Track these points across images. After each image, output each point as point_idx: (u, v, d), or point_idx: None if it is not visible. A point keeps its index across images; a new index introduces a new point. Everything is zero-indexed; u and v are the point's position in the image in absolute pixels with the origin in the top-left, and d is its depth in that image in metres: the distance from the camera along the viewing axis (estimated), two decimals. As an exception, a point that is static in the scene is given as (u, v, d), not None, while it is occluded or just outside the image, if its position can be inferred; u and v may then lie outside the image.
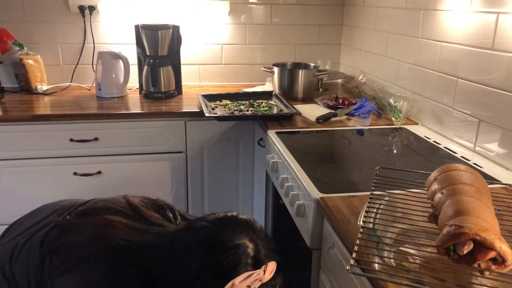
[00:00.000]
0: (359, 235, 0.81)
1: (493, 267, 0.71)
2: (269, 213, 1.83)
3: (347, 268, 0.71)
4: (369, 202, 0.96)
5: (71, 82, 2.36)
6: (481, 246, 0.70)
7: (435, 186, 0.88)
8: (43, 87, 2.24)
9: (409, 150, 1.59)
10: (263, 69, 2.31)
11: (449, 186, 0.84)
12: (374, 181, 1.07)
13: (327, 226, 1.12)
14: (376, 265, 0.79)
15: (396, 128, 1.79)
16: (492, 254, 0.70)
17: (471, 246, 0.70)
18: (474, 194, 0.80)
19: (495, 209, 0.90)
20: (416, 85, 1.85)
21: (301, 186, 1.25)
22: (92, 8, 2.29)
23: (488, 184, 0.93)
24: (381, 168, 1.14)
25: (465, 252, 0.70)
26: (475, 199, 0.78)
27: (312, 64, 2.34)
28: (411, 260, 0.80)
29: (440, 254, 0.74)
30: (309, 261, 1.24)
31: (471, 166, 1.39)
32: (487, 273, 0.72)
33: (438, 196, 0.85)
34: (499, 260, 0.70)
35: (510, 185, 1.15)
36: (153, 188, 2.03)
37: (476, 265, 0.72)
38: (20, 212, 1.96)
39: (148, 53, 2.16)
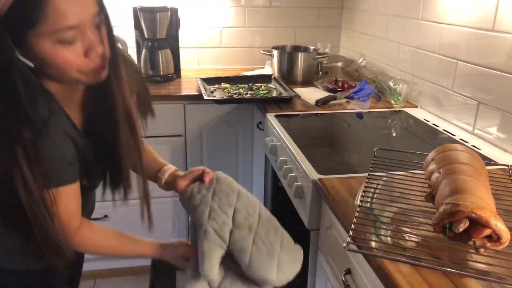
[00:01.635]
0: (356, 214, 0.82)
1: (488, 244, 0.72)
2: (268, 196, 1.84)
3: (344, 245, 0.71)
4: (366, 182, 0.96)
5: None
6: (477, 223, 0.70)
7: (432, 166, 0.89)
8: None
9: (408, 133, 1.59)
10: (262, 52, 2.30)
11: (446, 166, 0.84)
12: (372, 162, 1.07)
13: (325, 207, 1.12)
14: (372, 243, 0.79)
15: (395, 111, 1.78)
16: (487, 232, 0.70)
17: (467, 223, 0.71)
18: (471, 173, 0.80)
19: (492, 189, 0.91)
20: (416, 68, 1.84)
21: (300, 168, 1.26)
22: None
23: (486, 165, 0.94)
24: (379, 149, 1.14)
25: (461, 229, 0.71)
26: (472, 178, 0.78)
27: (312, 47, 2.32)
28: (408, 239, 0.80)
29: (436, 232, 0.74)
30: (307, 243, 1.25)
31: (470, 148, 1.39)
32: (482, 250, 0.72)
33: (435, 175, 0.85)
34: (494, 238, 0.71)
35: (508, 165, 1.15)
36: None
37: (471, 242, 0.73)
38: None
39: (146, 36, 2.14)
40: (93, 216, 2.07)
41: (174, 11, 2.17)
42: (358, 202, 0.88)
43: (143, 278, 2.14)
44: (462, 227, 0.71)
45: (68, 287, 1.14)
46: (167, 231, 2.15)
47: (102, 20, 0.81)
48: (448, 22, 1.61)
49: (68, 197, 0.87)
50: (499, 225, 0.69)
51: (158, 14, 2.08)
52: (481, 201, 0.72)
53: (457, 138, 1.48)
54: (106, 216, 2.04)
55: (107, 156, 0.96)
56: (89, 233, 0.97)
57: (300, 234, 1.30)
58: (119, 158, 0.94)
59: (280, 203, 1.65)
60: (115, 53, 0.85)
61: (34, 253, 0.95)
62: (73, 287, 1.19)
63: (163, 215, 2.12)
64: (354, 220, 0.80)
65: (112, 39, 0.84)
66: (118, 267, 2.18)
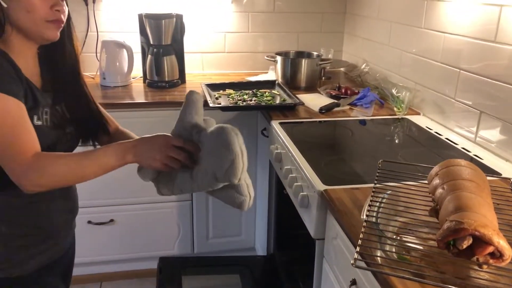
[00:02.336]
0: (363, 229, 0.84)
1: (491, 261, 0.74)
2: (272, 203, 1.87)
3: (351, 262, 0.74)
4: (372, 196, 0.99)
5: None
6: (480, 241, 0.73)
7: (436, 181, 0.91)
8: (47, 76, 2.25)
9: (411, 141, 1.62)
10: (266, 58, 2.32)
11: (450, 182, 0.86)
12: (377, 174, 1.10)
13: (330, 217, 1.15)
14: (378, 258, 0.82)
15: (398, 118, 1.81)
16: (490, 249, 0.73)
17: (470, 241, 0.73)
18: (474, 190, 0.82)
19: (494, 203, 0.93)
20: (418, 75, 1.86)
21: (305, 178, 1.28)
22: (95, -3, 2.29)
23: (488, 176, 0.96)
24: (383, 161, 1.16)
25: (464, 246, 0.73)
26: (475, 195, 0.81)
27: (315, 53, 2.35)
28: (413, 254, 0.83)
29: (441, 248, 0.77)
30: (312, 249, 1.27)
31: (471, 158, 1.42)
32: (485, 266, 0.75)
33: (439, 191, 0.87)
34: (497, 255, 0.73)
35: (510, 178, 1.18)
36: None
37: (474, 259, 0.75)
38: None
39: (151, 42, 2.17)
40: (99, 220, 2.11)
41: (179, 18, 2.19)
42: (364, 217, 0.90)
43: (149, 282, 2.17)
44: (465, 244, 0.73)
45: (62, 285, 1.18)
46: (172, 235, 2.18)
47: (65, 1, 0.99)
48: (450, 32, 1.63)
49: (9, 110, 0.88)
50: (502, 243, 0.72)
51: (163, 21, 2.10)
52: (485, 218, 0.74)
53: (459, 147, 1.50)
54: (112, 220, 2.07)
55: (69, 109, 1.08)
56: (46, 160, 0.91)
57: (305, 241, 1.33)
58: (83, 105, 1.10)
59: (285, 210, 1.68)
60: (69, 24, 1.05)
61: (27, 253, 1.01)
62: (66, 284, 1.22)
63: (168, 220, 2.15)
64: (361, 236, 0.82)
65: (68, 17, 1.02)
66: (124, 270, 2.21)
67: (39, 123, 0.96)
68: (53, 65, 1.07)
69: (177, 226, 2.17)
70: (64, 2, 0.99)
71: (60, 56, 1.05)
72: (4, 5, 0.91)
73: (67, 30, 1.04)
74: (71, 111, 1.09)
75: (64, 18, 0.98)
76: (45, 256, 1.07)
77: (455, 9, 1.60)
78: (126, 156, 0.94)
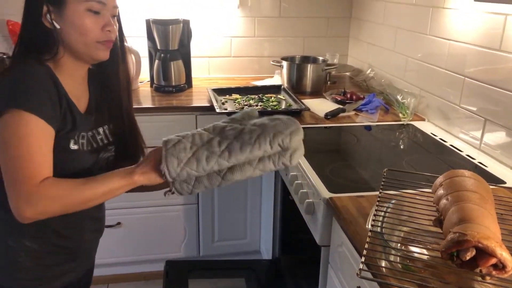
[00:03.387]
0: (368, 239, 0.86)
1: (494, 272, 0.76)
2: (277, 208, 1.88)
3: (357, 272, 0.76)
4: (377, 205, 1.00)
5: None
6: (483, 252, 0.74)
7: (440, 192, 0.92)
8: (56, 80, 2.28)
9: (416, 148, 1.63)
10: (272, 63, 2.34)
11: (454, 193, 0.88)
12: (382, 183, 1.11)
13: (336, 225, 1.17)
14: (383, 268, 0.84)
15: (403, 124, 1.82)
16: (493, 261, 0.74)
17: (474, 252, 0.75)
18: (478, 202, 0.84)
19: (498, 212, 0.94)
20: (423, 81, 1.87)
21: (311, 185, 1.30)
22: (103, 2, 2.32)
23: (492, 185, 0.97)
24: (388, 170, 1.18)
25: (467, 258, 0.75)
26: (479, 207, 0.82)
27: (321, 58, 2.36)
28: (418, 264, 0.84)
29: (444, 259, 0.78)
30: (317, 254, 1.29)
31: (476, 165, 1.43)
32: (488, 278, 0.76)
33: (444, 202, 0.89)
34: (500, 266, 0.75)
35: (513, 187, 1.19)
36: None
37: (478, 270, 0.77)
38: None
39: (159, 47, 2.19)
40: (107, 223, 2.13)
41: (186, 23, 2.21)
42: (369, 226, 0.92)
43: (156, 284, 2.19)
44: (469, 255, 0.75)
45: None
46: (178, 238, 2.20)
47: (117, 17, 1.02)
48: (455, 39, 1.64)
49: (30, 132, 0.84)
50: (505, 255, 0.73)
51: (170, 26, 2.12)
52: (488, 230, 0.76)
53: (463, 154, 1.51)
54: (119, 223, 2.10)
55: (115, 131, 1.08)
56: (55, 187, 0.85)
57: (311, 245, 1.34)
58: (127, 129, 1.10)
59: (290, 215, 1.70)
60: (122, 43, 1.06)
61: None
62: None
63: (174, 222, 2.17)
64: (366, 246, 0.84)
65: (121, 34, 1.06)
66: (131, 272, 2.24)
67: (75, 147, 0.96)
68: (104, 83, 1.07)
69: (183, 229, 2.20)
70: (115, 19, 1.00)
71: (112, 74, 1.06)
72: (58, 26, 0.93)
73: (121, 48, 1.06)
74: (114, 132, 1.08)
75: (114, 37, 0.99)
76: (73, 274, 1.09)
77: (460, 17, 1.61)
78: (133, 176, 0.89)
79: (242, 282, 1.94)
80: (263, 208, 2.19)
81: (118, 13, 1.02)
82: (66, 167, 0.94)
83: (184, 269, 1.99)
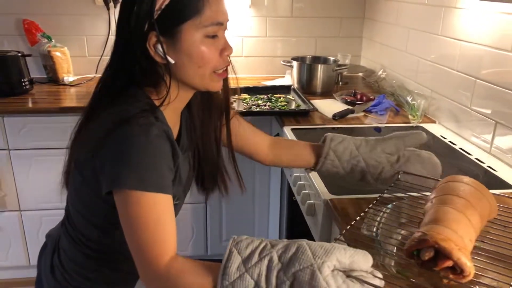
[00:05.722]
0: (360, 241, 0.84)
1: (451, 275, 0.74)
2: (284, 208, 1.87)
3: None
4: (370, 207, 0.98)
5: (96, 73, 2.43)
6: (442, 254, 0.73)
7: (432, 195, 0.91)
8: (69, 78, 2.32)
9: (424, 150, 1.59)
10: (282, 63, 2.33)
11: (440, 196, 0.86)
12: (392, 185, 1.07)
13: (335, 227, 1.15)
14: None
15: (412, 126, 1.79)
16: (449, 263, 0.72)
17: (432, 253, 0.74)
18: (458, 206, 0.81)
19: (504, 220, 0.91)
20: (435, 82, 1.84)
21: (312, 186, 1.28)
22: (116, 1, 2.35)
23: (502, 190, 0.93)
24: (404, 173, 1.11)
25: (426, 258, 0.74)
26: (457, 211, 0.80)
27: (332, 58, 2.34)
28: (414, 269, 0.82)
29: (406, 257, 0.78)
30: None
31: (485, 169, 1.39)
32: (445, 281, 0.75)
33: (429, 204, 0.88)
34: (458, 271, 0.73)
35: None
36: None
37: (437, 270, 0.75)
38: (47, 199, 2.07)
39: (169, 47, 2.20)
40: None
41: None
42: (365, 231, 0.90)
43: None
44: (427, 255, 0.73)
45: None
46: (186, 236, 2.21)
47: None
48: (467, 40, 1.60)
49: (161, 211, 0.75)
50: (463, 259, 0.71)
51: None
52: (452, 233, 0.74)
53: (473, 157, 1.47)
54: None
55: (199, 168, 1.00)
56: (180, 275, 0.73)
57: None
58: (212, 164, 1.01)
59: (295, 217, 1.69)
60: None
61: None
62: None
63: (182, 221, 2.18)
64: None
65: None
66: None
67: (176, 202, 0.89)
68: (204, 106, 0.98)
69: (191, 227, 2.21)
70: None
71: (214, 95, 0.97)
72: (172, 61, 0.81)
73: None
74: (200, 159, 1.01)
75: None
76: None
77: (471, 17, 1.57)
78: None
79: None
80: (270, 209, 2.18)
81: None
82: None
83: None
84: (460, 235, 0.74)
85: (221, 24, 0.83)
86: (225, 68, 0.88)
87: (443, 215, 0.78)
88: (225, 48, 0.85)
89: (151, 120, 0.78)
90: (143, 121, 0.77)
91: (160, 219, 0.75)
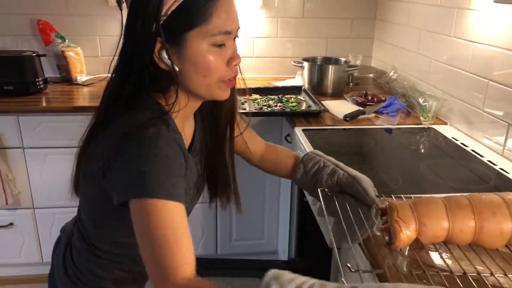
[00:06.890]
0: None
1: (387, 238, 0.87)
2: (294, 209, 1.88)
3: (354, 269, 0.75)
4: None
5: (108, 73, 2.46)
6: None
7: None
8: (82, 78, 2.35)
9: (436, 152, 1.59)
10: (293, 63, 2.33)
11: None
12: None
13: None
14: (387, 271, 0.82)
15: (424, 128, 1.78)
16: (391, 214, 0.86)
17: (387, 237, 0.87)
18: (452, 204, 0.86)
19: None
20: (446, 84, 1.83)
21: (324, 187, 1.29)
22: (129, 2, 2.37)
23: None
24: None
25: (386, 238, 0.88)
26: (441, 202, 0.87)
27: (343, 59, 2.34)
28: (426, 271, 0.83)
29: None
30: (329, 260, 1.28)
31: (497, 172, 1.38)
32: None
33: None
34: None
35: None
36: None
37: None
38: (60, 197, 2.09)
39: (181, 47, 2.22)
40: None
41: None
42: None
43: None
44: (386, 237, 0.87)
45: None
46: (196, 236, 2.22)
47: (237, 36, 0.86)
48: (480, 41, 1.59)
49: (176, 221, 0.73)
50: (395, 226, 0.83)
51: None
52: (407, 208, 0.86)
53: (485, 159, 1.47)
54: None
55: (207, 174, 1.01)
56: None
57: (326, 247, 1.33)
58: (222, 171, 1.02)
59: (305, 218, 1.69)
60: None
61: None
62: None
63: (192, 221, 2.19)
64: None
65: None
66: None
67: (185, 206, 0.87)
68: (211, 115, 0.97)
69: (201, 227, 2.22)
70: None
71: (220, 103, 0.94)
72: (177, 68, 0.79)
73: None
74: (208, 164, 1.00)
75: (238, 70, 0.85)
76: None
77: (485, 18, 1.57)
78: None
79: (257, 282, 1.94)
80: (281, 209, 2.19)
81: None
82: None
83: (201, 267, 2.01)
84: (420, 213, 0.84)
85: (230, 33, 0.80)
86: (233, 76, 0.85)
87: (423, 199, 0.87)
88: (233, 58, 0.82)
89: (161, 129, 0.77)
90: (153, 130, 0.75)
91: (178, 229, 0.73)
